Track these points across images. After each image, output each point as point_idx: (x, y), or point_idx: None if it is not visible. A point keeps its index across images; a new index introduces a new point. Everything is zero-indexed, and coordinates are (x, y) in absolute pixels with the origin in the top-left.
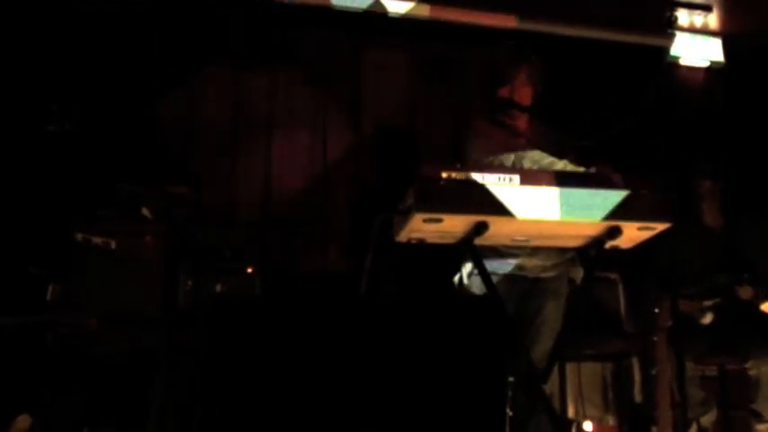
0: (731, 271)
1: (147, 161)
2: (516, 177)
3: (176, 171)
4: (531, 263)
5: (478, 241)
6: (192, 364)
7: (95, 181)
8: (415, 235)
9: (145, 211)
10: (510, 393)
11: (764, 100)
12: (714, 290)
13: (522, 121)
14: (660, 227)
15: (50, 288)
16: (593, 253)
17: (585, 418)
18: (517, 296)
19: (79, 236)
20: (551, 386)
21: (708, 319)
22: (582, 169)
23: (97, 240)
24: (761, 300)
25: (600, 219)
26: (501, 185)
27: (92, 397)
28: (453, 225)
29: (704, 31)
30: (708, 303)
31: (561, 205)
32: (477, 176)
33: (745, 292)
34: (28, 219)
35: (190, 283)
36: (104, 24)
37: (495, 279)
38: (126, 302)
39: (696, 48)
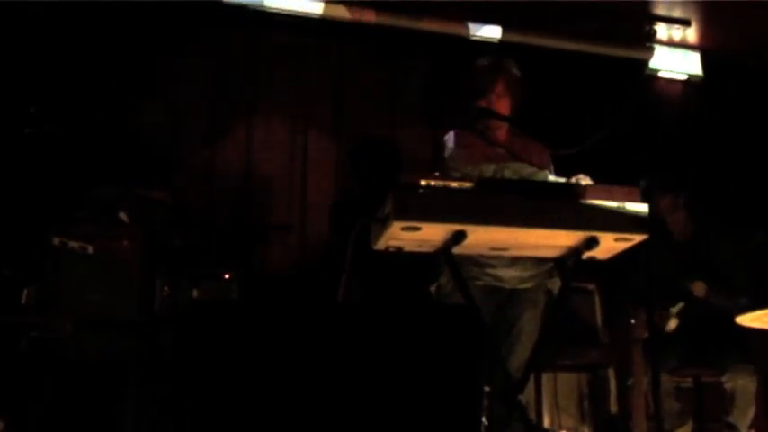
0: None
1: (125, 165)
2: (495, 187)
3: (154, 175)
4: (509, 274)
5: (456, 250)
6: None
7: (73, 184)
8: (393, 243)
9: (122, 216)
10: (486, 403)
11: (741, 112)
12: (676, 295)
13: (501, 132)
14: (637, 238)
15: (25, 291)
16: (571, 263)
17: (561, 428)
18: (494, 306)
19: (56, 239)
20: (527, 396)
21: (672, 324)
22: (563, 180)
23: (74, 244)
24: (715, 297)
25: (577, 229)
26: (480, 194)
27: (66, 402)
28: (431, 233)
29: (683, 45)
30: (673, 310)
31: (539, 215)
32: (455, 185)
33: (699, 289)
34: (4, 221)
35: (166, 288)
36: (84, 27)
37: (472, 288)
38: (102, 307)
39: (675, 61)
